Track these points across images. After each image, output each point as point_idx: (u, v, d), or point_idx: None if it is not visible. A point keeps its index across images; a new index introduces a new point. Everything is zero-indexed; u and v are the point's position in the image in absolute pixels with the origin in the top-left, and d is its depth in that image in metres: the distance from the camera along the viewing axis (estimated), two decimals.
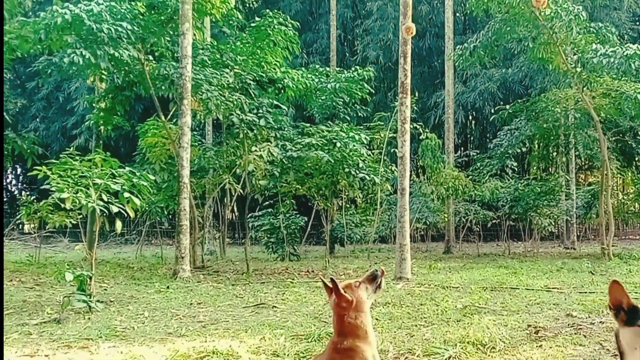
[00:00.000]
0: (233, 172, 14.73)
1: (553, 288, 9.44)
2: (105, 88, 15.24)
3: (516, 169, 20.10)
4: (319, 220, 19.28)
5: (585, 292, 8.86)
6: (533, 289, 9.31)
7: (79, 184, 8.11)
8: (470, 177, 18.52)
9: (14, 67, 24.83)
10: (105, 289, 9.79)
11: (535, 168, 26.57)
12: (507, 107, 18.69)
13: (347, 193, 16.02)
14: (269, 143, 14.08)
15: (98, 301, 7.92)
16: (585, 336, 5.76)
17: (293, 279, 11.07)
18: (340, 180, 14.79)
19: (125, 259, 16.67)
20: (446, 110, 21.24)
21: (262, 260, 16.15)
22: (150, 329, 6.51)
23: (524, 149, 19.88)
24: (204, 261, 14.79)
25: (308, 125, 15.49)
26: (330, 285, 3.04)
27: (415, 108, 16.93)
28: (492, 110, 22.18)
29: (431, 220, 19.70)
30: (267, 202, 17.24)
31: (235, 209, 27.03)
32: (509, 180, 18.74)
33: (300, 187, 15.65)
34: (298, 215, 17.26)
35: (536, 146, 23.33)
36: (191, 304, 8.30)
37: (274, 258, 16.44)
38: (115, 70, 14.07)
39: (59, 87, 27.37)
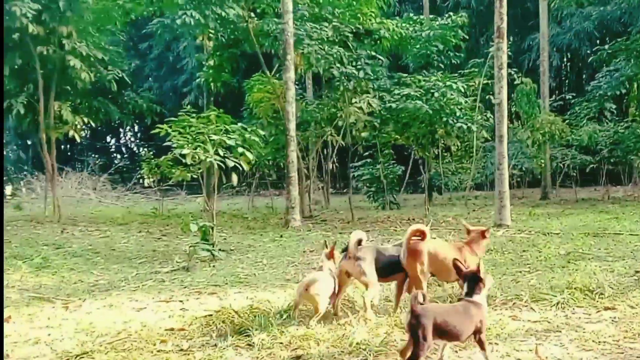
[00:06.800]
0: (334, 124, 15.07)
1: None
2: (213, 46, 15.90)
3: (615, 111, 19.27)
4: (416, 169, 19.32)
5: None
6: (638, 234, 9.07)
7: (197, 140, 8.66)
8: (567, 121, 18.03)
9: (127, 30, 26.18)
10: (225, 239, 10.49)
11: (634, 109, 24.98)
12: (606, 47, 17.93)
13: (443, 141, 15.93)
14: (367, 95, 14.25)
15: (220, 250, 8.54)
16: None
17: (396, 228, 11.30)
18: (438, 129, 14.76)
19: (239, 209, 17.50)
20: (541, 53, 20.40)
21: (364, 208, 16.56)
22: (270, 275, 7.00)
23: (623, 91, 18.76)
24: (311, 211, 15.39)
25: (405, 75, 15.45)
26: None
27: (508, 52, 16.38)
28: (589, 52, 21.02)
29: (527, 166, 19.32)
30: (367, 153, 17.52)
31: (335, 159, 27.56)
32: (607, 123, 18.08)
33: (399, 137, 15.78)
34: (396, 165, 17.46)
35: (635, 87, 21.87)
36: (304, 251, 8.77)
37: (375, 207, 16.85)
38: (221, 29, 14.66)
39: (169, 47, 28.70)
